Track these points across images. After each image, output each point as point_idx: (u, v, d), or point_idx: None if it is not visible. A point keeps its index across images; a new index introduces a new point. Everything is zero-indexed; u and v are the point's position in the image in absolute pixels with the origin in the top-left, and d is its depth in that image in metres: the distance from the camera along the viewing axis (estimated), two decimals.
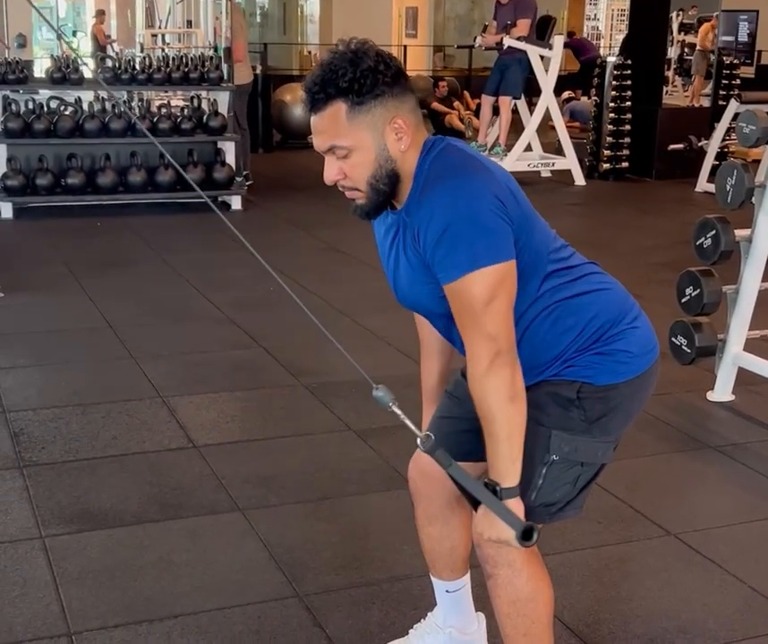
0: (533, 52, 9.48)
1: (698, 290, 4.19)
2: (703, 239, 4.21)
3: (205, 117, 8.46)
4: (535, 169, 10.06)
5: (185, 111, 8.51)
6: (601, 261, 2.11)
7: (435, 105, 12.64)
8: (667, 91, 12.83)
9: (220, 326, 5.25)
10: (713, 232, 4.17)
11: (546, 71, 9.72)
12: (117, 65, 8.56)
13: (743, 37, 15.23)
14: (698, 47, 14.99)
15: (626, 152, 10.27)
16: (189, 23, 11.98)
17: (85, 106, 8.22)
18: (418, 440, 1.86)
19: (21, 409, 4.06)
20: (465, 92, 13.84)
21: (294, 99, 11.71)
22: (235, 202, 8.46)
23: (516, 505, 1.87)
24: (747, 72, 13.33)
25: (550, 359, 1.99)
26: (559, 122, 10.07)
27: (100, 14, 18.26)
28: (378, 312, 5.26)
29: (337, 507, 3.32)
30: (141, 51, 11.07)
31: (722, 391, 4.36)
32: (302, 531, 3.16)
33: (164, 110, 8.50)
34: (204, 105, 8.79)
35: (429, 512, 2.29)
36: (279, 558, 2.97)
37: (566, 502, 2.02)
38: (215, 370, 4.60)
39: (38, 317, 5.36)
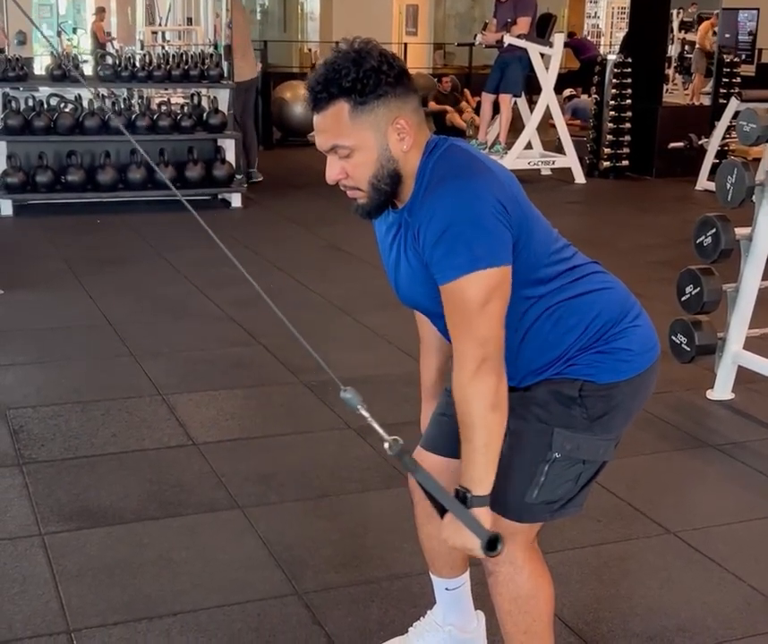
0: (534, 50, 9.48)
1: (698, 288, 4.19)
2: (703, 237, 4.21)
3: (205, 115, 8.45)
4: (535, 167, 10.06)
5: (185, 108, 8.50)
6: (602, 260, 2.11)
7: (432, 104, 12.60)
8: (667, 89, 12.83)
9: (220, 323, 5.25)
10: (713, 230, 4.16)
11: (546, 69, 9.72)
12: (117, 63, 8.55)
13: (743, 35, 15.22)
14: (698, 46, 14.99)
15: (626, 150, 10.27)
16: (189, 20, 11.98)
17: (85, 104, 8.21)
18: (386, 444, 1.83)
19: (21, 406, 4.05)
20: (466, 90, 13.83)
21: (294, 97, 11.70)
22: (236, 200, 8.46)
23: (485, 515, 1.84)
24: (748, 70, 13.33)
25: (552, 358, 1.99)
26: (560, 120, 10.07)
27: (100, 12, 18.26)
28: (378, 310, 5.26)
29: (337, 505, 3.32)
30: (142, 48, 11.06)
31: (722, 389, 4.36)
32: (302, 529, 3.16)
33: (164, 107, 8.50)
34: (204, 103, 8.79)
35: (428, 510, 2.27)
36: (279, 556, 2.97)
37: (567, 499, 2.02)
38: (214, 368, 4.60)
39: (38, 314, 5.36)
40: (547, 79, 9.72)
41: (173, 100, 9.26)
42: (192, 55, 8.85)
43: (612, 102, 10.17)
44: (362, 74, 1.82)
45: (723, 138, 9.59)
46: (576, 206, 9.13)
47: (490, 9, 10.79)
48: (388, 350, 4.82)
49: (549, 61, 9.76)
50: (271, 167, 9.92)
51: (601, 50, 19.17)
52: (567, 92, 14.18)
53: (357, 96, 1.82)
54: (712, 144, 9.53)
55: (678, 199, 9.33)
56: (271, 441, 3.84)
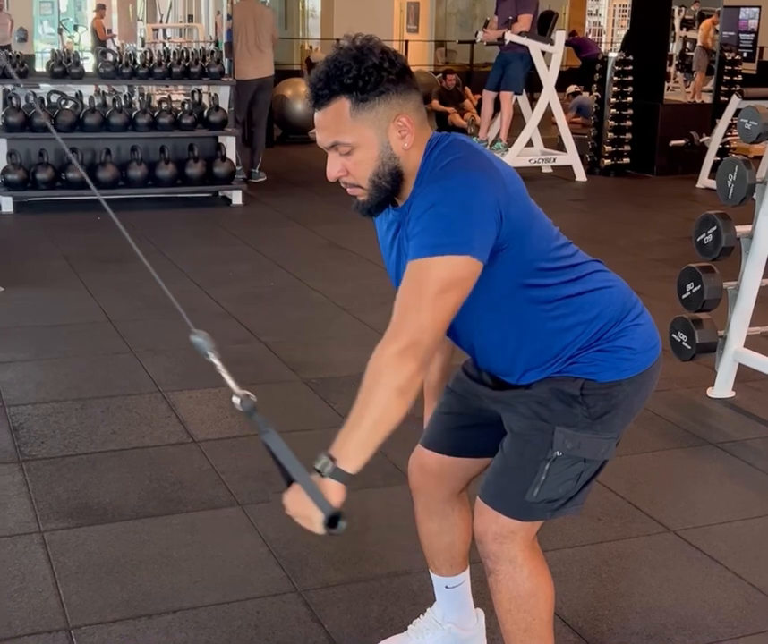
0: (535, 47, 9.47)
1: (699, 286, 4.19)
2: (704, 235, 4.21)
3: (206, 112, 8.45)
4: (536, 165, 10.06)
5: (186, 106, 8.50)
6: (602, 257, 2.10)
7: (434, 103, 12.59)
8: (668, 87, 12.82)
9: (220, 320, 5.24)
10: (714, 228, 4.16)
11: (548, 66, 9.72)
12: (118, 60, 8.55)
13: (745, 33, 15.22)
14: (700, 44, 14.97)
15: (627, 148, 10.26)
16: (190, 18, 12.00)
17: (86, 101, 8.21)
18: (236, 399, 1.75)
19: (21, 403, 4.05)
20: (467, 87, 13.82)
21: (294, 94, 11.70)
22: (236, 197, 8.45)
23: (336, 490, 1.73)
24: (749, 67, 13.33)
25: (553, 356, 1.98)
26: (561, 118, 10.06)
27: (100, 9, 18.28)
28: (378, 308, 5.25)
29: None
30: (142, 45, 11.07)
31: (723, 387, 4.36)
32: (302, 527, 3.15)
33: (165, 105, 8.49)
34: (205, 100, 8.79)
35: (428, 508, 2.29)
36: (278, 553, 2.97)
37: (567, 498, 2.02)
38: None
39: (38, 311, 5.35)
40: (548, 76, 9.71)
41: (173, 97, 9.27)
42: (192, 52, 8.85)
43: (613, 100, 10.16)
44: (364, 71, 1.81)
45: (724, 136, 9.59)
46: (576, 203, 9.13)
47: (491, 6, 10.78)
48: None
49: (550, 58, 9.75)
50: (272, 165, 9.91)
51: (603, 48, 19.15)
52: (572, 88, 14.16)
53: (358, 93, 1.82)
54: (714, 142, 9.53)
55: (679, 196, 9.33)
56: None
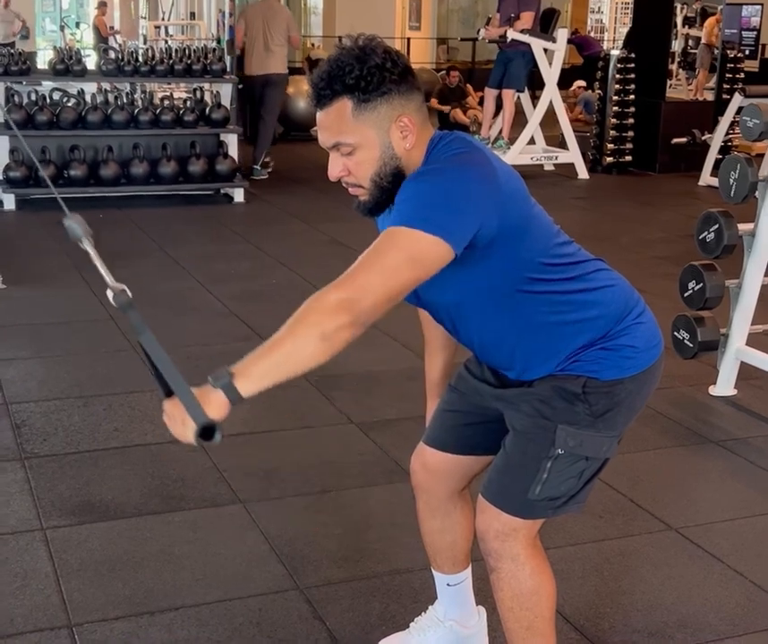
0: (537, 45, 9.46)
1: (701, 284, 4.18)
2: (706, 233, 4.20)
3: (208, 109, 8.45)
4: (538, 162, 10.04)
5: (188, 103, 8.50)
6: (604, 255, 2.10)
7: (433, 102, 12.58)
8: (671, 85, 12.81)
9: (222, 318, 5.24)
10: (716, 226, 4.16)
11: (550, 64, 9.70)
12: (120, 57, 8.55)
13: (747, 30, 15.20)
14: (703, 41, 14.95)
15: (629, 146, 10.24)
16: (192, 15, 12.00)
17: (88, 98, 8.21)
18: (110, 293, 1.69)
19: (23, 400, 4.06)
20: (468, 85, 13.81)
21: (296, 92, 11.69)
22: (238, 195, 8.45)
23: (219, 404, 1.69)
24: (752, 65, 13.31)
25: (554, 353, 1.98)
26: (563, 116, 10.05)
27: (102, 6, 18.28)
28: None
29: (338, 500, 3.32)
30: (144, 43, 11.07)
31: (725, 385, 4.35)
32: (303, 524, 3.16)
33: (167, 102, 8.49)
34: (207, 98, 8.78)
35: (430, 505, 2.29)
36: (280, 551, 2.97)
37: (569, 496, 2.02)
38: (216, 363, 4.55)
39: (40, 308, 5.36)
40: (550, 74, 9.71)
41: (175, 95, 9.27)
42: (194, 50, 8.85)
43: (616, 97, 10.15)
44: (366, 71, 1.81)
45: (727, 133, 9.58)
46: (578, 201, 9.12)
47: (493, 3, 10.77)
48: (389, 346, 4.82)
49: (552, 56, 9.74)
50: (274, 162, 9.90)
51: (605, 45, 19.15)
52: (577, 83, 14.12)
53: (360, 93, 1.82)
54: (716, 140, 9.52)
55: (681, 194, 9.32)
56: (273, 436, 3.84)
